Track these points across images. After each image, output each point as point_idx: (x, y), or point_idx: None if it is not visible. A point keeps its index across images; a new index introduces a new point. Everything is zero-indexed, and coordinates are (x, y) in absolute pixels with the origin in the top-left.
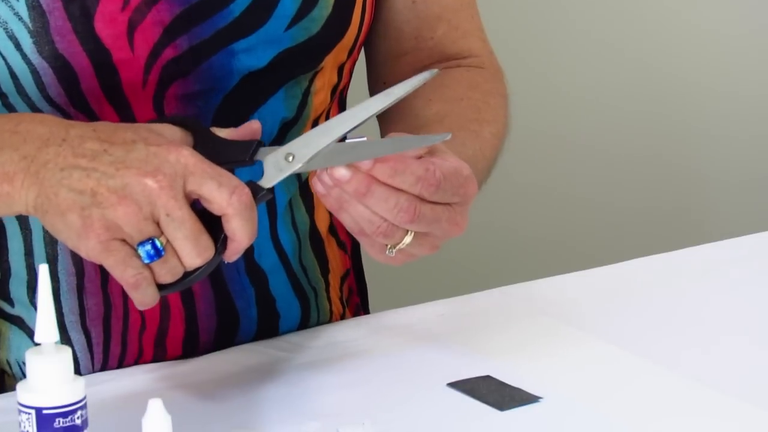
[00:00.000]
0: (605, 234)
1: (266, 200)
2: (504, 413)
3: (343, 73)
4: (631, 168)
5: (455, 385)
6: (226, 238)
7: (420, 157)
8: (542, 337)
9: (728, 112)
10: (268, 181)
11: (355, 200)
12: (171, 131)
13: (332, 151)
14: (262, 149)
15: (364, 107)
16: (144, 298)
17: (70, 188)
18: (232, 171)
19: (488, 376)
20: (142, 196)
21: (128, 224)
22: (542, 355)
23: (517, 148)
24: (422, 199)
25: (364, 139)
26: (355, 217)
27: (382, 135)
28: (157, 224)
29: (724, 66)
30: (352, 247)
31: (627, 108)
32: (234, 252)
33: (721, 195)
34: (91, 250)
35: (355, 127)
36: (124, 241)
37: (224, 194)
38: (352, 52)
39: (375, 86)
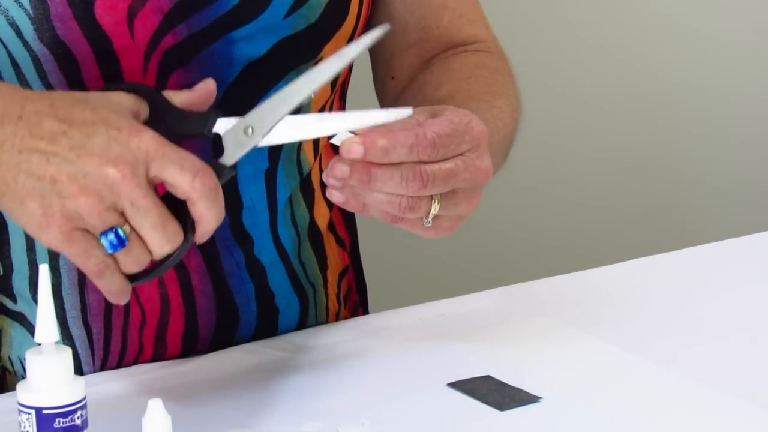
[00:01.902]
0: (605, 235)
1: (230, 177)
2: (504, 413)
3: None
4: (630, 169)
5: (455, 385)
6: (194, 222)
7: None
8: (542, 337)
9: (726, 116)
10: (230, 158)
11: (366, 190)
12: (127, 100)
13: (290, 126)
14: (219, 120)
15: (317, 72)
16: (110, 287)
17: (29, 173)
18: (181, 143)
19: (488, 376)
20: (103, 186)
21: (90, 215)
22: (542, 355)
23: (517, 149)
24: (426, 163)
25: (330, 112)
26: (376, 205)
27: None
28: (122, 213)
29: (720, 69)
30: (351, 244)
31: (627, 111)
32: (203, 235)
33: (720, 197)
34: (52, 240)
35: (310, 94)
36: (86, 230)
37: (187, 178)
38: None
39: (382, 82)
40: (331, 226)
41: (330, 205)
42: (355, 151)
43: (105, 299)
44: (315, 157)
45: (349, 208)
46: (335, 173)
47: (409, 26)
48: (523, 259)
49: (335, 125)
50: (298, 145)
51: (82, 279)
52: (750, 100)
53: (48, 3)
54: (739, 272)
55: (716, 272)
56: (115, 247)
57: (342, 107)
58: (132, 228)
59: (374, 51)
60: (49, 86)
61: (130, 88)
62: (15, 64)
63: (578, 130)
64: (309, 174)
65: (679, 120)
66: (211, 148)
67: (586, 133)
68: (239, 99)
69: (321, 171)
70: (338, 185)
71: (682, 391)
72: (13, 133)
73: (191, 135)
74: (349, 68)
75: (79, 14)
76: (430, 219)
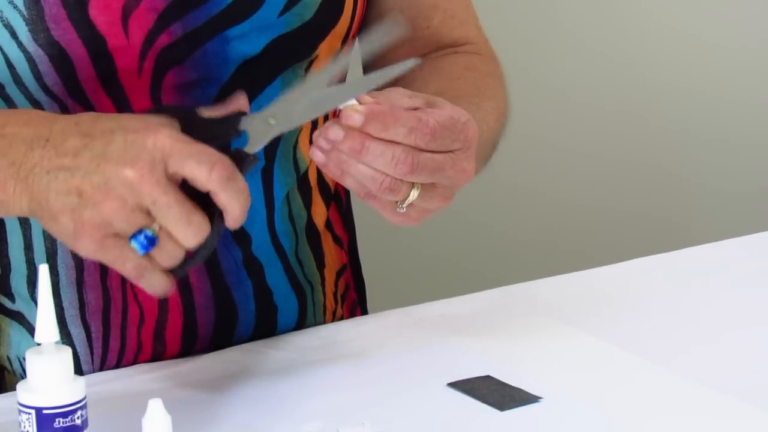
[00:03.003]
0: (605, 235)
1: (253, 166)
2: (504, 413)
3: None
4: (630, 170)
5: (455, 385)
6: (221, 211)
7: (416, 109)
8: (542, 337)
9: (726, 116)
10: (252, 146)
11: (353, 160)
12: (157, 118)
13: (309, 104)
14: (244, 118)
15: (343, 89)
16: (152, 286)
17: (58, 191)
18: (219, 146)
19: (488, 376)
20: (124, 189)
21: (117, 219)
22: (542, 355)
23: (517, 149)
24: (420, 150)
25: (342, 85)
26: (357, 177)
27: None
28: (148, 213)
29: (719, 70)
30: (348, 243)
31: (627, 111)
32: (233, 222)
33: (719, 198)
34: (87, 250)
35: (330, 108)
36: (118, 235)
37: (204, 171)
38: (345, 41)
39: None
40: (328, 224)
41: (327, 203)
42: (355, 119)
43: (102, 298)
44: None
45: (328, 173)
46: (328, 134)
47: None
48: (523, 259)
49: (352, 91)
50: (294, 143)
51: (80, 277)
52: (749, 102)
53: (42, 4)
54: (739, 272)
55: (716, 272)
56: (146, 248)
57: None
58: (160, 226)
59: (365, 48)
60: (45, 89)
61: (162, 111)
62: (10, 66)
63: (578, 131)
64: (306, 172)
65: (678, 120)
66: (236, 145)
67: (586, 133)
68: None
69: (318, 169)
70: (326, 147)
71: (682, 391)
72: (41, 157)
73: (222, 139)
74: (347, 68)
75: (74, 15)
76: (404, 206)
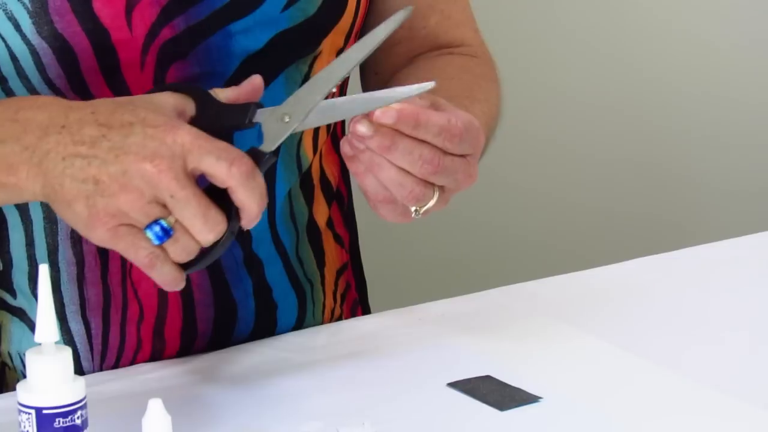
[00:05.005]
0: (605, 235)
1: (270, 164)
2: (504, 413)
3: None
4: (630, 170)
5: (455, 385)
6: (238, 210)
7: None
8: (542, 337)
9: (727, 116)
10: (268, 145)
11: (382, 160)
12: (172, 99)
13: (323, 109)
14: (259, 111)
15: (345, 58)
16: (163, 276)
17: (73, 178)
18: (231, 137)
19: (488, 376)
20: (142, 182)
21: (132, 210)
22: (542, 355)
23: (517, 149)
24: (445, 151)
25: (361, 94)
26: (385, 181)
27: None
28: (164, 205)
29: (720, 70)
30: (350, 242)
31: (627, 111)
32: (249, 221)
33: (720, 197)
34: (100, 238)
35: (342, 79)
36: (132, 225)
37: (223, 167)
38: (349, 38)
39: (366, 76)
40: (329, 223)
41: (329, 201)
42: (389, 116)
43: (103, 294)
44: (315, 153)
45: (351, 167)
46: (358, 129)
47: None
48: (523, 259)
49: (365, 105)
50: (298, 141)
51: (80, 274)
52: (750, 101)
53: None
54: (739, 272)
55: (716, 272)
56: (161, 239)
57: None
58: (176, 219)
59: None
60: (48, 82)
61: (177, 88)
62: (14, 58)
63: (578, 131)
64: (309, 169)
65: (679, 120)
66: (249, 139)
67: (586, 133)
68: None
69: (321, 167)
70: (360, 147)
71: (682, 391)
72: (56, 142)
73: (234, 127)
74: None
75: (78, 8)
76: (422, 211)
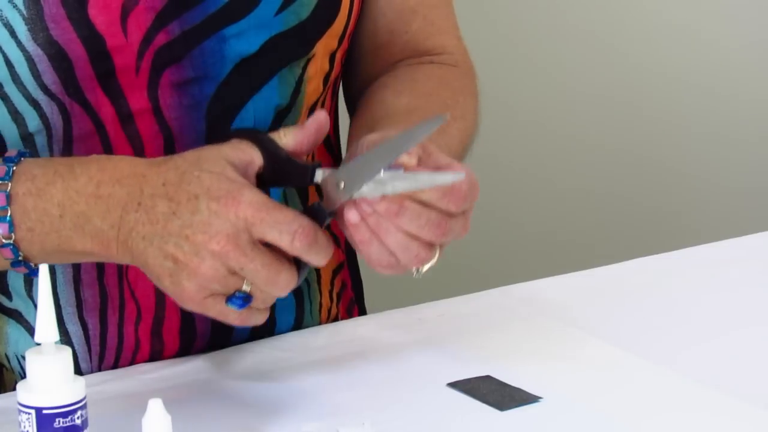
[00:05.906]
0: (605, 235)
1: (330, 221)
2: (504, 413)
3: (335, 62)
4: (630, 170)
5: (455, 385)
6: None
7: (419, 159)
8: (542, 337)
9: (727, 116)
10: (329, 204)
11: (389, 225)
12: (237, 155)
13: (371, 185)
14: (318, 171)
15: (408, 137)
16: (256, 323)
17: (155, 256)
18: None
19: (488, 376)
20: (214, 260)
21: (212, 284)
22: (542, 355)
23: (517, 149)
24: (450, 213)
25: (401, 170)
26: (391, 245)
27: (351, 120)
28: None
29: (721, 68)
30: (345, 241)
31: (627, 111)
32: (319, 267)
33: (720, 197)
34: (192, 309)
35: (391, 161)
36: (216, 294)
37: (286, 240)
38: (342, 41)
39: (347, 80)
40: None
41: None
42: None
43: (99, 295)
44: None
45: (355, 234)
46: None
47: (378, 28)
48: (523, 259)
49: (405, 184)
50: None
51: (77, 275)
52: (751, 100)
53: (42, 3)
54: (739, 272)
55: (716, 272)
56: (242, 305)
57: (334, 102)
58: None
59: (349, 52)
60: (43, 87)
61: (243, 135)
62: (9, 64)
63: (578, 131)
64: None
65: (679, 120)
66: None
67: (586, 134)
68: (231, 96)
69: None
70: (368, 211)
71: (682, 391)
72: (135, 221)
73: (296, 185)
74: (340, 65)
75: (73, 14)
76: (423, 270)
